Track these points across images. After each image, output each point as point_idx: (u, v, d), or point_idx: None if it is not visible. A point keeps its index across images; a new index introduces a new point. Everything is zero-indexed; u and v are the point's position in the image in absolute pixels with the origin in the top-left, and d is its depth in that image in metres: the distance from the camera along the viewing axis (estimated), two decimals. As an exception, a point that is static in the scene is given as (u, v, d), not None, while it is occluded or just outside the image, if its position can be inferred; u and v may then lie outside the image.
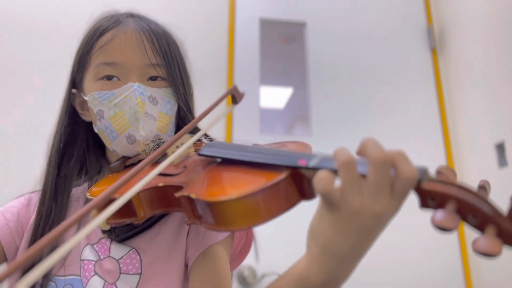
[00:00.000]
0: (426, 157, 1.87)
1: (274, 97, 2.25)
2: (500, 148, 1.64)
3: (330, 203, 0.41)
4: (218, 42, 1.91)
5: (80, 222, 0.39)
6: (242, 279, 1.60)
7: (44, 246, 0.34)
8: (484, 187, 0.40)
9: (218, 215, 0.45)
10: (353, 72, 1.99)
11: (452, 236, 1.80)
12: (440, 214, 0.37)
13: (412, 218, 1.72)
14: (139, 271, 0.64)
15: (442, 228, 0.36)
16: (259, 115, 1.86)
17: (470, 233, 1.79)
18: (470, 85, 1.85)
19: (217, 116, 0.59)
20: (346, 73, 1.98)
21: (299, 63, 2.01)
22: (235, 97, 0.65)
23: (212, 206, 0.45)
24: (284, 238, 1.64)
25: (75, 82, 0.72)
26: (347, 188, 0.40)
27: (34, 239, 0.66)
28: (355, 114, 1.92)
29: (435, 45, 2.06)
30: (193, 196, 0.48)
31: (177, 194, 0.51)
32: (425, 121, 1.95)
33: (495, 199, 0.45)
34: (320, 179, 0.41)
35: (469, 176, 1.82)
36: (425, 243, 1.77)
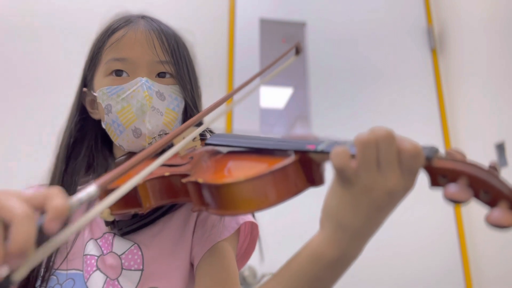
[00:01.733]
0: (426, 157, 1.87)
1: (274, 97, 2.25)
2: (500, 148, 1.64)
3: (344, 179, 0.42)
4: (219, 42, 1.91)
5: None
6: (242, 279, 1.60)
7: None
8: (494, 167, 0.41)
9: (225, 198, 0.45)
10: (353, 72, 1.99)
11: (452, 235, 1.80)
12: (453, 187, 0.38)
13: (412, 216, 1.72)
14: (141, 267, 0.63)
15: (455, 200, 0.37)
16: (259, 115, 1.86)
17: (470, 232, 1.79)
18: (470, 85, 1.85)
19: (222, 111, 0.59)
20: (346, 73, 1.98)
21: (299, 63, 2.01)
22: (298, 49, 0.69)
23: (219, 189, 0.45)
24: (285, 238, 1.64)
25: (86, 80, 0.74)
26: (363, 166, 0.41)
27: None
28: (355, 114, 1.92)
29: (435, 45, 2.06)
30: (200, 180, 0.48)
31: (184, 180, 0.51)
32: (425, 120, 1.95)
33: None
34: (337, 154, 0.42)
35: (469, 176, 1.82)
36: (425, 241, 1.77)
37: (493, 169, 0.40)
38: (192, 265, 0.65)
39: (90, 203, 0.69)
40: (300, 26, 2.04)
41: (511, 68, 1.61)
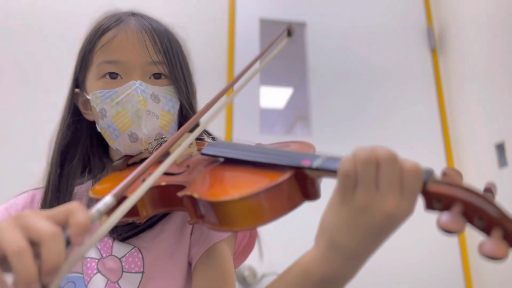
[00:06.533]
0: (426, 157, 1.87)
1: (274, 97, 2.25)
2: (500, 148, 1.64)
3: (345, 189, 0.42)
4: (218, 42, 1.91)
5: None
6: (242, 279, 1.60)
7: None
8: (490, 189, 0.40)
9: (221, 215, 0.45)
10: (353, 72, 1.99)
11: (453, 238, 1.80)
12: (446, 216, 0.37)
13: (413, 219, 1.71)
14: (142, 269, 0.63)
15: (448, 230, 0.36)
16: (259, 115, 1.86)
17: (471, 235, 1.79)
18: (470, 85, 1.85)
19: (216, 110, 0.59)
20: (346, 73, 1.98)
21: (299, 63, 2.01)
22: (290, 31, 0.70)
23: (215, 206, 0.45)
24: (286, 238, 1.64)
25: (78, 82, 0.72)
26: (362, 184, 0.41)
27: None
28: (355, 114, 1.92)
29: (435, 45, 2.06)
30: (195, 195, 0.47)
31: (180, 194, 0.50)
32: (425, 121, 1.95)
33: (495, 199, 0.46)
34: (347, 159, 0.41)
35: (469, 176, 1.82)
36: (426, 245, 1.77)
37: (489, 193, 0.39)
38: (190, 264, 0.65)
39: (89, 203, 0.69)
40: (300, 26, 2.04)
41: (511, 68, 1.61)
